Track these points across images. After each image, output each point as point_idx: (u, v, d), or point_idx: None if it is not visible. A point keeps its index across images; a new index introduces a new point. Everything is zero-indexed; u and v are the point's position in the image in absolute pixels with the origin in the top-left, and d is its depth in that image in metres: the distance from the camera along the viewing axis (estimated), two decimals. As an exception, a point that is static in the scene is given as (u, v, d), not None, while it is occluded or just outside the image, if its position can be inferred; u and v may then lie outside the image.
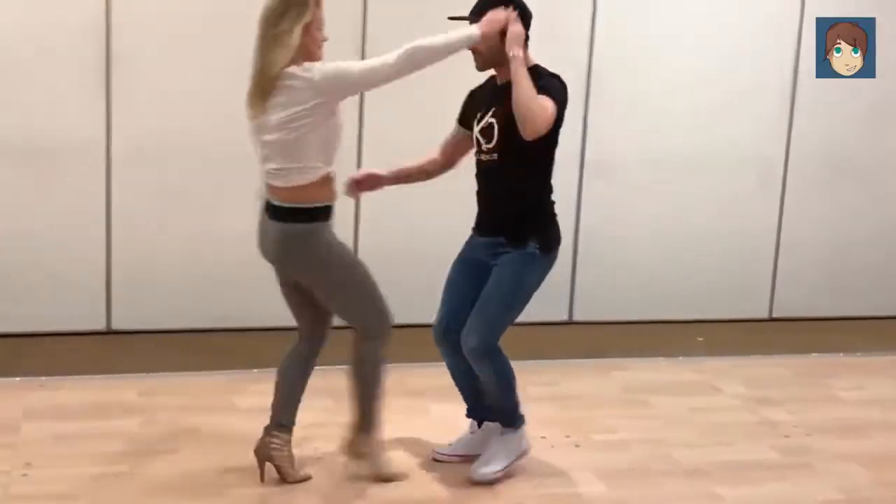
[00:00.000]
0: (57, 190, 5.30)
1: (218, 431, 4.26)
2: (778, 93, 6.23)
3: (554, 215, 3.96)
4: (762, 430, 4.60)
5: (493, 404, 4.00)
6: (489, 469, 3.92)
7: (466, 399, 4.13)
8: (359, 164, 5.64)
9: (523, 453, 4.02)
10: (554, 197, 3.95)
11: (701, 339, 5.96)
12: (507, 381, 3.91)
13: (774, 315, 6.47)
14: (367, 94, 5.53)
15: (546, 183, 3.91)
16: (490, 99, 3.88)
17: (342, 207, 5.64)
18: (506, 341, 3.82)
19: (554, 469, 4.08)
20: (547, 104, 3.64)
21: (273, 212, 3.68)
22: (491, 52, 3.76)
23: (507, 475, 3.93)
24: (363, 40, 5.55)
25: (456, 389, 4.11)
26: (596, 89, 5.88)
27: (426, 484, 3.90)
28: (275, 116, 3.56)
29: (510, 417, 3.98)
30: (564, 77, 3.74)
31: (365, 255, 5.67)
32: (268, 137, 3.61)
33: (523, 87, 3.59)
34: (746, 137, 6.23)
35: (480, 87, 4.00)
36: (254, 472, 3.82)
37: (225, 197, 5.53)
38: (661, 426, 4.59)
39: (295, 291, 3.82)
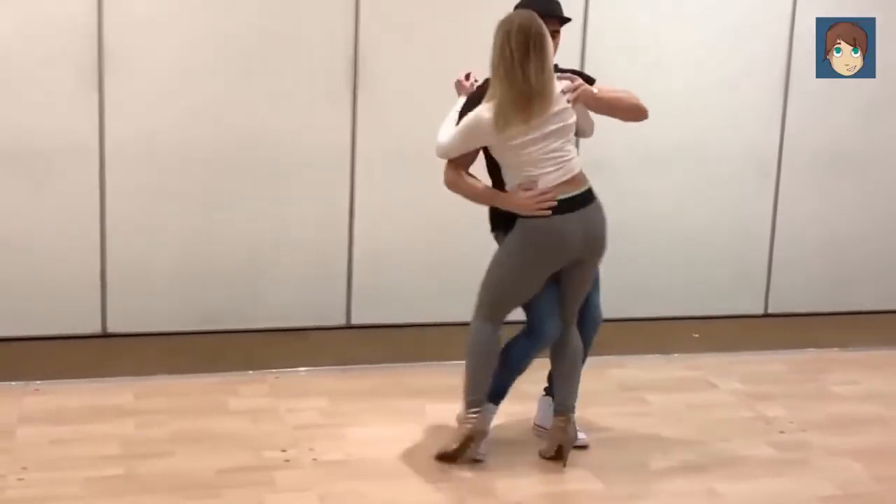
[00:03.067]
0: (50, 192, 5.27)
1: (213, 433, 4.25)
2: (772, 86, 6.22)
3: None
4: (758, 426, 4.60)
5: None
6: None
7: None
8: (353, 161, 5.65)
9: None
10: None
11: (696, 335, 5.95)
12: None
13: (770, 311, 6.47)
14: (361, 88, 5.56)
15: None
16: None
17: (337, 209, 5.70)
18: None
19: (551, 467, 4.07)
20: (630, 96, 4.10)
21: (584, 197, 3.93)
22: None
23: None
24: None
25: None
26: (589, 86, 5.86)
27: (421, 486, 3.88)
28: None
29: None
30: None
31: (361, 256, 5.72)
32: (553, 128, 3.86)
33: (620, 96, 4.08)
34: (740, 133, 6.22)
35: (477, 96, 3.99)
36: (248, 473, 3.83)
37: (219, 198, 5.52)
38: (657, 423, 4.59)
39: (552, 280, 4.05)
